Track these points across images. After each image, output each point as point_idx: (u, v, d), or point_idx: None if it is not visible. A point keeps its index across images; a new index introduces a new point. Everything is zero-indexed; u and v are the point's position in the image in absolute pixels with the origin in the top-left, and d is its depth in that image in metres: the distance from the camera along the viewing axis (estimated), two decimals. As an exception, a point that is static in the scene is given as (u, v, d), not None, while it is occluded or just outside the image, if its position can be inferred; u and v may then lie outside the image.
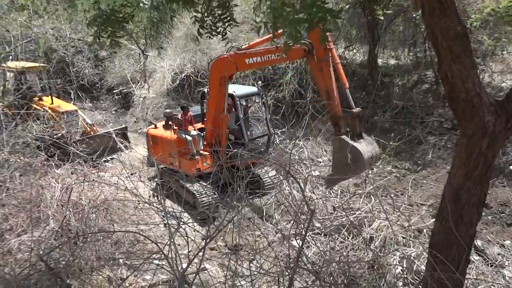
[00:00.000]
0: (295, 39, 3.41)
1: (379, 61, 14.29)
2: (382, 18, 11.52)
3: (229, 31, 4.58)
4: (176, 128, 9.10)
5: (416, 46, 14.07)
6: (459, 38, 3.32)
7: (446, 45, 3.36)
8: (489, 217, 7.97)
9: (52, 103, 11.77)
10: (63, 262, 5.46)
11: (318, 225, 6.96)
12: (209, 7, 4.31)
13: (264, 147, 9.95)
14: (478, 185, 3.64)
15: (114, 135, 11.57)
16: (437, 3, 3.24)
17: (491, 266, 6.26)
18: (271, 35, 4.04)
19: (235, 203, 5.65)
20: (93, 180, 7.34)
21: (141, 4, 3.90)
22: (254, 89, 10.12)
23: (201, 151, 9.13)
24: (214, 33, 4.50)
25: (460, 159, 3.66)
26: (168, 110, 10.39)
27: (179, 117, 9.07)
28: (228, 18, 4.35)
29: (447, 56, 3.38)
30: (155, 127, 10.09)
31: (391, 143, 9.80)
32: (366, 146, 7.85)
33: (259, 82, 10.74)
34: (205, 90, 9.51)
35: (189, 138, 8.92)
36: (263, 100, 10.10)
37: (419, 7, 3.46)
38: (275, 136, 11.19)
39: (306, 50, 7.74)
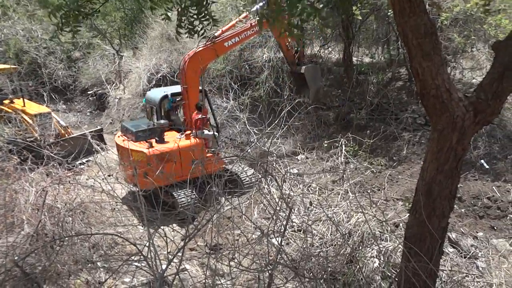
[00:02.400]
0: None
1: (354, 59, 14.49)
2: (360, 17, 11.67)
3: (207, 29, 4.54)
4: (199, 128, 9.03)
5: (390, 44, 14.33)
6: (429, 36, 3.42)
7: (416, 43, 3.45)
8: (462, 210, 8.19)
9: (24, 105, 11.50)
10: (39, 267, 5.35)
11: (297, 221, 7.03)
12: (183, 7, 4.25)
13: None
14: (449, 178, 3.75)
15: (89, 137, 11.38)
16: (407, 2, 3.33)
17: (465, 257, 6.43)
18: (245, 14, 4.11)
19: (213, 202, 5.65)
20: (69, 182, 7.20)
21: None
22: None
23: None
24: (192, 32, 4.45)
25: (432, 154, 3.77)
26: (162, 121, 9.18)
27: (201, 117, 9.05)
28: (207, 17, 4.26)
29: (418, 53, 3.48)
30: (151, 145, 8.50)
31: (366, 140, 9.98)
32: None
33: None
34: (167, 94, 9.56)
35: (210, 133, 9.07)
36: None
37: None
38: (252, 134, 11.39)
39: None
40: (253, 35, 10.17)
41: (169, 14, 4.16)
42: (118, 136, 9.24)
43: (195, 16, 4.24)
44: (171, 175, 7.64)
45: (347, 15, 12.35)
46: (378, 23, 14.10)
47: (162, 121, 8.99)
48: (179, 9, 4.20)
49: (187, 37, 4.51)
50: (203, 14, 4.20)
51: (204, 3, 4.12)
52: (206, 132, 9.10)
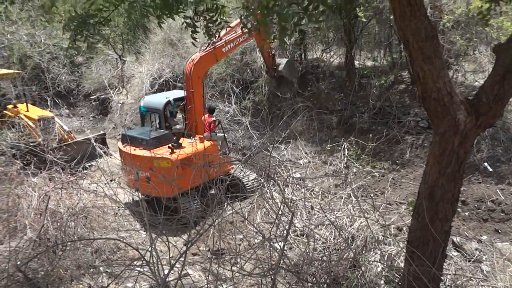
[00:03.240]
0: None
1: (356, 62, 14.51)
2: (364, 19, 11.67)
3: (219, 31, 4.69)
4: (212, 130, 9.22)
5: (392, 48, 14.33)
6: (430, 39, 3.42)
7: (417, 46, 3.45)
8: (466, 213, 8.15)
9: (27, 110, 11.55)
10: (42, 272, 5.36)
11: (299, 226, 7.01)
12: (196, 12, 4.40)
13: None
14: (451, 181, 3.73)
15: (93, 141, 11.42)
16: (407, 6, 3.33)
17: (469, 261, 6.39)
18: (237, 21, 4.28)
19: (216, 207, 5.65)
20: (71, 187, 7.21)
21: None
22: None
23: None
24: (210, 33, 4.61)
25: (434, 157, 3.75)
26: (178, 126, 9.37)
27: (213, 120, 9.28)
28: (219, 21, 4.49)
29: (419, 57, 3.47)
30: (172, 151, 8.34)
31: (369, 143, 9.96)
32: None
33: None
34: (170, 99, 9.57)
35: (222, 135, 9.34)
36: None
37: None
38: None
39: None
40: (244, 42, 10.66)
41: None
42: (124, 146, 9.17)
43: (209, 21, 4.42)
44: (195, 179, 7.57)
45: (349, 19, 12.39)
46: (380, 26, 14.12)
47: (178, 126, 9.02)
48: (193, 15, 4.35)
49: (209, 38, 4.72)
50: (216, 17, 4.39)
51: (216, 8, 4.27)
52: (219, 134, 9.38)
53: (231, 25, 10.02)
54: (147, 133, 8.76)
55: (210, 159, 8.45)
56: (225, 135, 9.63)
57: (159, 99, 9.67)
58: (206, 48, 9.25)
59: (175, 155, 8.18)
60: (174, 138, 8.82)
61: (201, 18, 4.51)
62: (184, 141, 8.98)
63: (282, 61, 12.81)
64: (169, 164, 8.10)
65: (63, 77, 18.05)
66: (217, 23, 4.50)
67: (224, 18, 4.52)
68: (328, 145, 10.85)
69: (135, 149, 8.53)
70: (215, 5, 4.32)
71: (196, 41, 4.63)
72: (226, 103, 13.39)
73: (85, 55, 18.78)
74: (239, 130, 12.71)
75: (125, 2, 4.02)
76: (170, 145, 8.51)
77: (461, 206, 8.23)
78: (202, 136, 9.03)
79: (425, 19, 3.38)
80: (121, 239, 5.88)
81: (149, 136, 8.54)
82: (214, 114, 9.59)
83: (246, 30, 3.95)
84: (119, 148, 9.25)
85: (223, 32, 9.82)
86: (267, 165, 6.45)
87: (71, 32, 4.06)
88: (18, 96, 12.43)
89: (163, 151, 8.33)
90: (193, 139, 9.03)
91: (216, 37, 4.88)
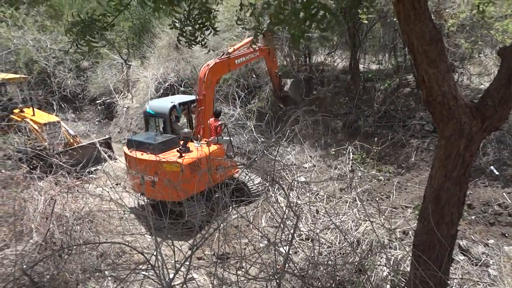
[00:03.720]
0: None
1: (361, 66, 14.48)
2: (366, 21, 11.66)
3: (207, 39, 4.62)
4: (219, 134, 9.36)
5: (397, 51, 14.30)
6: (434, 43, 3.42)
7: (422, 50, 3.45)
8: (473, 217, 8.10)
9: (34, 114, 11.63)
10: (48, 276, 5.38)
11: (304, 230, 6.99)
12: (189, 15, 4.34)
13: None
14: (457, 185, 3.72)
15: (98, 146, 11.48)
16: (412, 10, 3.33)
17: (476, 265, 6.36)
18: (250, 38, 4.19)
19: (221, 210, 5.65)
20: (77, 191, 7.25)
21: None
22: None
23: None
24: (193, 42, 4.53)
25: (439, 160, 3.74)
26: (186, 130, 9.06)
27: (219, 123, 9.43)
28: (208, 27, 4.40)
29: (423, 60, 3.47)
30: (181, 155, 8.40)
31: (374, 147, 9.93)
32: None
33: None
34: (175, 104, 9.60)
35: (228, 139, 9.52)
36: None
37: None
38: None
39: (267, 52, 11.52)
40: (256, 58, 11.59)
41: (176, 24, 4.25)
42: (130, 151, 9.18)
43: (196, 26, 4.34)
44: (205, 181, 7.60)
45: (354, 23, 12.38)
46: (385, 29, 14.09)
47: (185, 130, 9.02)
48: (183, 18, 4.29)
49: (186, 46, 4.60)
50: (206, 24, 4.30)
51: (209, 13, 4.21)
52: (225, 137, 9.54)
53: (244, 41, 11.09)
54: (153, 137, 8.79)
55: (217, 163, 8.48)
56: (231, 138, 9.70)
57: (165, 103, 9.70)
58: (220, 56, 9.77)
59: (183, 159, 8.22)
60: (182, 142, 8.84)
61: (192, 21, 4.43)
62: (191, 145, 9.00)
63: (288, 82, 13.32)
64: (178, 168, 8.11)
65: (69, 82, 18.17)
66: (205, 29, 4.45)
67: (213, 24, 4.45)
68: (333, 149, 10.84)
69: (142, 154, 8.54)
70: (207, 9, 4.27)
71: (180, 44, 4.59)
72: (231, 106, 13.41)
73: (91, 59, 18.90)
74: (244, 134, 12.72)
75: (128, 8, 4.04)
76: (178, 149, 8.54)
77: (468, 210, 8.18)
78: (208, 139, 9.08)
79: (429, 22, 3.38)
80: (127, 243, 5.89)
81: (155, 141, 8.57)
82: (220, 118, 9.67)
83: (258, 48, 3.98)
84: (124, 152, 9.28)
85: (239, 45, 10.62)
86: (271, 169, 6.44)
87: (74, 37, 4.09)
88: (24, 100, 12.52)
89: (170, 155, 8.36)
90: (199, 143, 9.05)
91: (202, 44, 4.80)
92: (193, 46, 4.58)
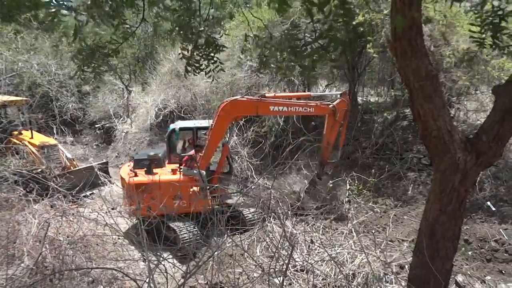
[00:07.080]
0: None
1: (359, 98, 14.66)
2: (376, 55, 11.64)
3: (214, 72, 4.75)
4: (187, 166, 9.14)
5: (395, 85, 14.51)
6: (430, 79, 3.50)
7: (417, 85, 3.52)
8: (469, 253, 8.03)
9: (32, 137, 11.67)
10: (37, 301, 5.28)
11: (299, 261, 6.91)
12: (196, 44, 4.51)
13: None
14: (452, 219, 3.72)
15: (96, 170, 11.46)
16: (408, 46, 3.42)
17: (472, 302, 6.27)
18: (303, 93, 4.25)
19: (215, 238, 5.61)
20: (72, 214, 7.20)
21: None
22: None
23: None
24: (198, 70, 4.67)
25: (434, 194, 3.76)
26: (152, 153, 9.50)
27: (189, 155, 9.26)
28: (214, 59, 4.58)
29: (419, 95, 3.54)
30: (135, 175, 8.94)
31: (371, 178, 9.94)
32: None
33: None
34: (175, 128, 9.77)
35: (194, 172, 9.09)
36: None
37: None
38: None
39: (332, 111, 9.57)
40: (302, 113, 10.14)
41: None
42: (131, 170, 9.27)
43: (203, 56, 4.49)
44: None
45: (353, 56, 12.62)
46: (384, 63, 14.35)
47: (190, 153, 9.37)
48: (192, 48, 4.45)
49: (193, 74, 4.72)
50: (211, 56, 4.45)
51: (215, 45, 4.37)
52: (193, 170, 9.08)
53: (296, 93, 10.46)
54: (145, 154, 9.49)
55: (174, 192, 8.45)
56: (201, 172, 8.98)
57: (173, 126, 10.05)
58: (252, 95, 9.07)
59: (136, 178, 8.78)
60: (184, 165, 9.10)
61: (199, 52, 4.59)
62: (163, 169, 9.31)
63: None
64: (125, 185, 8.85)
65: (70, 106, 18.32)
66: (211, 62, 4.59)
67: (218, 56, 4.62)
68: (330, 182, 10.84)
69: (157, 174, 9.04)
70: (214, 42, 4.45)
71: (188, 73, 4.70)
72: (228, 134, 13.47)
73: (92, 84, 19.12)
74: (239, 162, 12.73)
75: (134, 36, 4.20)
76: (145, 169, 9.03)
77: (465, 245, 8.13)
78: (180, 168, 9.04)
79: (425, 58, 3.47)
80: (119, 269, 5.81)
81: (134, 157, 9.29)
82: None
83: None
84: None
85: (286, 94, 10.14)
86: (267, 198, 6.44)
87: (79, 63, 4.20)
88: (23, 123, 12.58)
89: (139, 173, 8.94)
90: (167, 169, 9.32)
91: (211, 78, 4.94)
92: (197, 73, 4.72)
